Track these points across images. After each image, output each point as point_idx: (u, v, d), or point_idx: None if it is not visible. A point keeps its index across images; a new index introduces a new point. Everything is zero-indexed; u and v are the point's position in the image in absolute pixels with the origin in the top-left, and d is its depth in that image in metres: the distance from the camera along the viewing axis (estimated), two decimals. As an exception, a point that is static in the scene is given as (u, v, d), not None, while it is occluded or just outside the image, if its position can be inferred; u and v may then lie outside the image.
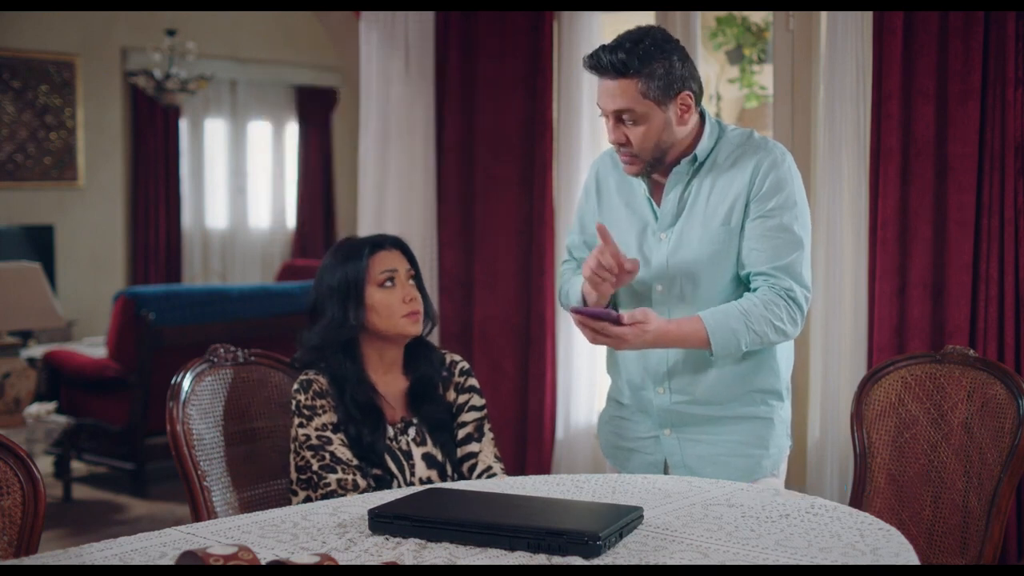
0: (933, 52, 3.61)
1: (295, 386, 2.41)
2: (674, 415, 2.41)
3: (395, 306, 2.42)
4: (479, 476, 2.43)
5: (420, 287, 2.49)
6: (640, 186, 2.42)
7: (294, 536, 1.77)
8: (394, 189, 4.75)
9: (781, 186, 2.32)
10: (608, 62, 2.24)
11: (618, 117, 2.29)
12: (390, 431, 2.42)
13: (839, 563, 1.61)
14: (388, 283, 2.43)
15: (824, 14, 3.89)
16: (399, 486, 2.36)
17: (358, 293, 2.42)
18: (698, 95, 2.33)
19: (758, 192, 2.32)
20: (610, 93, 2.27)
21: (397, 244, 2.50)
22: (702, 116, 2.38)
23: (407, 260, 2.49)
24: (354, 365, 2.43)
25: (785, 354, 2.45)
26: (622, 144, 2.31)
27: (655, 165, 2.34)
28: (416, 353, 2.51)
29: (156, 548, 1.69)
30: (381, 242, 2.48)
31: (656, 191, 2.41)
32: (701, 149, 2.35)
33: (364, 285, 2.42)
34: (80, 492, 5.46)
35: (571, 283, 2.53)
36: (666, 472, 2.44)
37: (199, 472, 2.39)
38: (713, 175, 2.35)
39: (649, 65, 2.24)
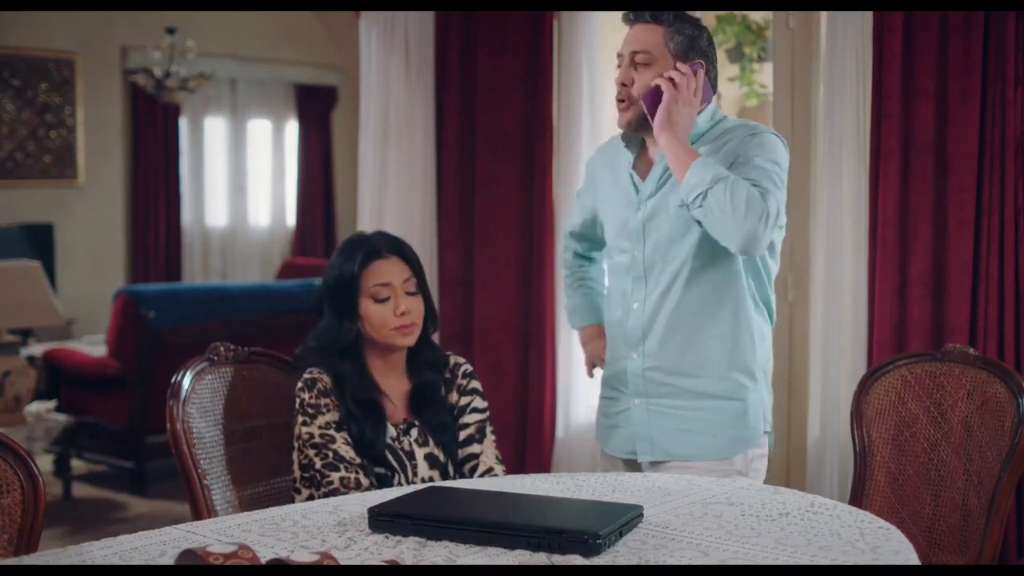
0: (933, 52, 3.61)
1: (299, 384, 2.40)
2: (646, 383, 2.43)
3: (387, 319, 2.41)
4: (480, 477, 2.43)
5: (423, 288, 2.48)
6: (626, 159, 2.47)
7: (294, 535, 1.77)
8: (394, 188, 4.74)
9: (762, 145, 2.33)
10: (647, 9, 2.38)
11: (632, 59, 2.38)
12: (393, 431, 2.42)
13: (839, 561, 1.61)
14: (381, 296, 2.42)
15: (824, 14, 3.90)
16: (401, 485, 2.36)
17: (352, 304, 2.41)
18: (712, 81, 2.42)
19: (737, 148, 2.33)
20: (635, 35, 2.39)
21: (396, 250, 2.46)
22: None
23: (406, 265, 2.46)
24: (355, 365, 2.42)
25: (760, 332, 2.44)
26: (624, 85, 2.38)
27: (644, 122, 2.37)
28: (419, 354, 2.50)
29: (156, 547, 1.69)
30: (378, 250, 2.44)
31: (641, 165, 2.46)
32: (696, 128, 2.40)
33: (358, 297, 2.42)
34: (80, 490, 5.46)
35: (573, 300, 2.78)
36: (634, 449, 2.46)
37: (199, 470, 2.39)
38: (703, 151, 2.37)
39: (681, 24, 2.39)
